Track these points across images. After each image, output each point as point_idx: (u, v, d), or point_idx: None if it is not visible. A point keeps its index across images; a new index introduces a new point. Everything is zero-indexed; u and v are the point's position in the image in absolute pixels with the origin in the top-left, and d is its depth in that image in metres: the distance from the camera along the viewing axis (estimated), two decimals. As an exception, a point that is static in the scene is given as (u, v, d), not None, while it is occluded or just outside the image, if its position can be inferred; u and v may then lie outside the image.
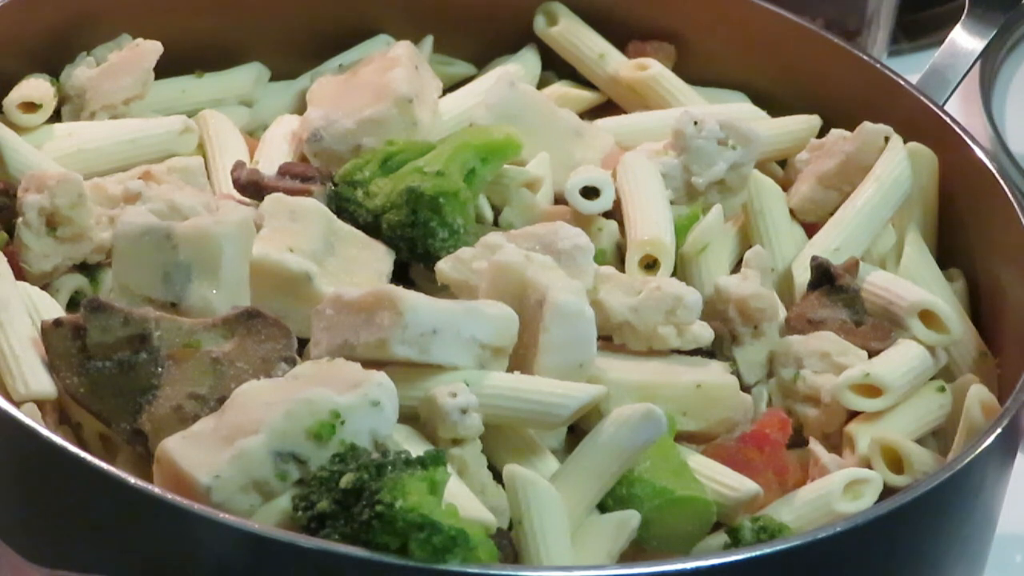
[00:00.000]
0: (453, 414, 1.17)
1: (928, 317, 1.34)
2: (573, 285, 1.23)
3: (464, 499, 1.13)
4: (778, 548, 1.12)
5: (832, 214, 1.42)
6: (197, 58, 1.50)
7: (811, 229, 1.43)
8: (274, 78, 1.54)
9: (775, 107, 1.53)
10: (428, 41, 1.55)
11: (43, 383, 1.19)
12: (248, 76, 1.51)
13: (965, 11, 1.55)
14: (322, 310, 1.21)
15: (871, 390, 1.29)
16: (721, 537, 1.21)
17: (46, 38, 1.45)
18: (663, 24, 1.57)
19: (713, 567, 1.09)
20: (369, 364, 1.17)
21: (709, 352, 1.30)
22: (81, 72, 1.43)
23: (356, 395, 1.13)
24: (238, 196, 1.36)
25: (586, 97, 1.55)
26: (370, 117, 1.39)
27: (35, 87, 1.42)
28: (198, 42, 1.50)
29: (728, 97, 1.56)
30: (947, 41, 1.55)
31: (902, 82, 1.49)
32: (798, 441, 1.30)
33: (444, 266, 1.28)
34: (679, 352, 1.29)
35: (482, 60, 1.58)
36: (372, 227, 1.32)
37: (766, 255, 1.37)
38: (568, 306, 1.22)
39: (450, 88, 1.51)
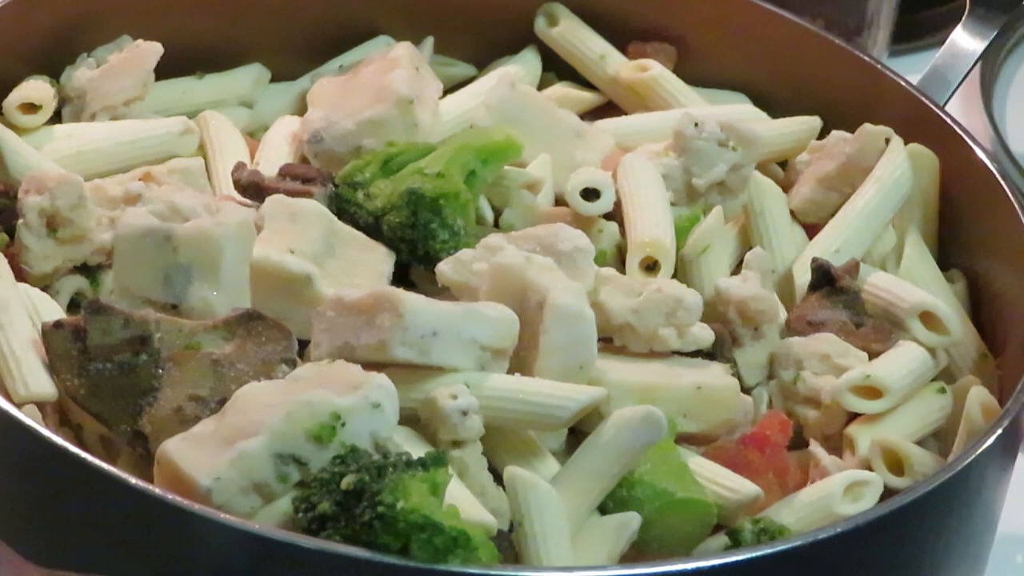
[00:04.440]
0: (453, 416, 1.17)
1: (928, 318, 1.34)
2: (573, 287, 1.23)
3: (464, 501, 1.13)
4: (778, 549, 1.12)
5: (833, 215, 1.42)
6: (197, 59, 1.50)
7: (812, 230, 1.43)
8: (274, 79, 1.54)
9: (775, 108, 1.53)
10: (429, 42, 1.55)
11: (43, 385, 1.19)
12: (248, 77, 1.51)
13: (966, 11, 1.55)
14: (322, 312, 1.21)
15: (871, 392, 1.29)
16: (721, 539, 1.21)
17: (46, 39, 1.45)
18: (663, 25, 1.57)
19: (714, 567, 1.09)
20: (370, 366, 1.17)
21: (709, 354, 1.30)
22: (81, 73, 1.43)
23: (356, 397, 1.13)
24: (239, 197, 1.36)
25: (587, 98, 1.55)
26: (370, 118, 1.39)
27: (35, 88, 1.42)
28: (198, 43, 1.50)
29: (728, 98, 1.56)
30: (948, 41, 1.55)
31: (902, 82, 1.49)
32: (798, 443, 1.30)
33: (444, 268, 1.28)
34: (679, 354, 1.29)
35: (483, 61, 1.58)
36: (373, 228, 1.32)
37: (766, 257, 1.37)
38: (568, 308, 1.22)
39: (451, 89, 1.51)
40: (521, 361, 1.23)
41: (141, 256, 1.23)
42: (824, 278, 1.35)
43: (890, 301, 1.36)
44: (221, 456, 1.11)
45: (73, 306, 1.30)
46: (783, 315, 1.36)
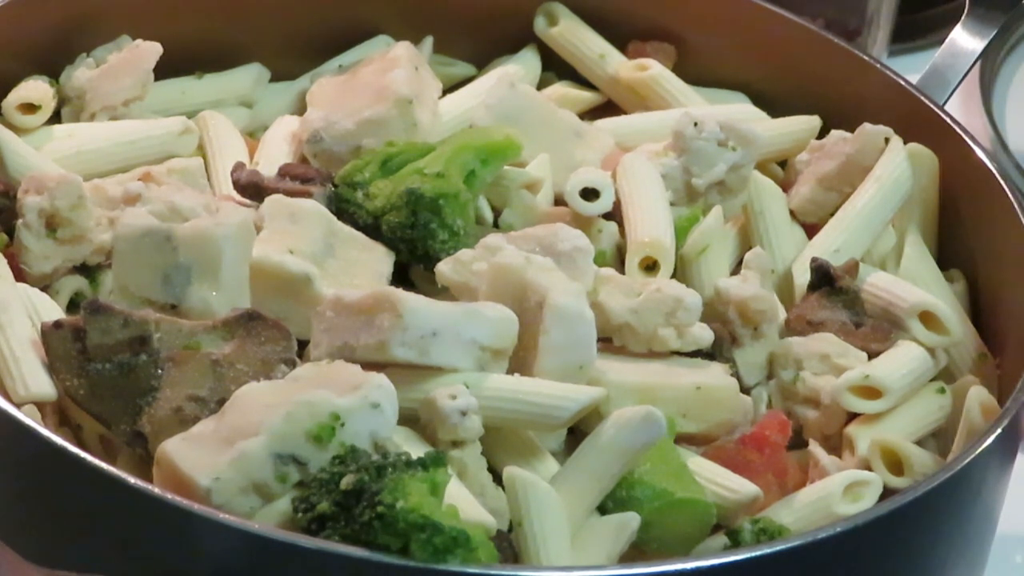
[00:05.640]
0: (453, 416, 1.17)
1: (928, 318, 1.34)
2: (573, 287, 1.23)
3: (464, 501, 1.13)
4: (778, 548, 1.12)
5: (832, 215, 1.42)
6: (197, 59, 1.50)
7: (811, 230, 1.43)
8: (274, 79, 1.53)
9: (775, 108, 1.53)
10: (428, 42, 1.55)
11: (43, 385, 1.19)
12: (248, 77, 1.51)
13: (965, 11, 1.55)
14: (322, 312, 1.21)
15: (871, 392, 1.29)
16: (721, 539, 1.21)
17: (46, 39, 1.45)
18: (663, 24, 1.57)
19: (713, 567, 1.09)
20: (369, 366, 1.17)
21: (709, 354, 1.30)
22: (81, 73, 1.43)
23: (356, 397, 1.13)
24: (238, 197, 1.36)
25: (586, 98, 1.55)
26: (370, 118, 1.39)
27: (34, 88, 1.42)
28: (198, 43, 1.50)
29: (728, 97, 1.56)
30: (947, 41, 1.55)
31: (902, 82, 1.49)
32: (798, 443, 1.30)
33: (444, 268, 1.28)
34: (679, 354, 1.29)
35: (482, 61, 1.58)
36: (372, 228, 1.32)
37: (766, 256, 1.37)
38: (568, 308, 1.22)
39: (450, 89, 1.51)
40: (520, 361, 1.23)
41: (141, 256, 1.23)
42: (824, 278, 1.35)
43: (890, 301, 1.36)
44: (221, 456, 1.11)
45: (73, 306, 1.30)
46: (783, 315, 1.36)
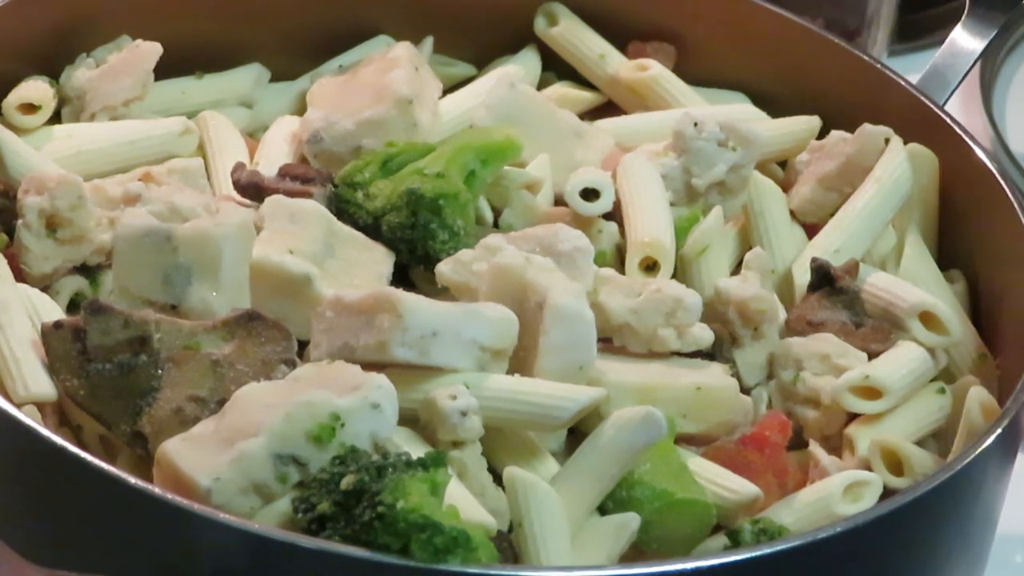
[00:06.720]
0: (453, 416, 1.17)
1: (928, 319, 1.34)
2: (573, 287, 1.23)
3: (464, 502, 1.13)
4: (778, 548, 1.12)
5: (832, 215, 1.42)
6: (197, 59, 1.50)
7: (811, 230, 1.43)
8: (274, 79, 1.53)
9: (775, 108, 1.53)
10: (428, 42, 1.55)
11: (43, 385, 1.19)
12: (248, 77, 1.51)
13: (965, 11, 1.55)
14: (322, 312, 1.21)
15: (871, 392, 1.29)
16: (721, 540, 1.21)
17: (46, 39, 1.45)
18: (663, 24, 1.57)
19: (713, 567, 1.10)
20: (369, 366, 1.17)
21: (709, 354, 1.30)
22: (81, 74, 1.43)
23: (356, 397, 1.13)
24: (238, 198, 1.36)
25: (586, 98, 1.55)
26: (370, 118, 1.39)
27: (34, 88, 1.42)
28: (198, 43, 1.50)
29: (728, 98, 1.56)
30: (947, 41, 1.55)
31: (902, 82, 1.49)
32: (798, 443, 1.30)
33: (444, 268, 1.28)
34: (679, 354, 1.29)
35: (482, 61, 1.58)
36: (372, 229, 1.32)
37: (766, 257, 1.37)
38: (568, 308, 1.22)
39: (450, 89, 1.51)
40: (521, 361, 1.23)
41: (141, 256, 1.23)
42: (824, 278, 1.35)
43: (890, 301, 1.36)
44: (221, 456, 1.11)
45: (73, 306, 1.30)
46: (783, 315, 1.35)
